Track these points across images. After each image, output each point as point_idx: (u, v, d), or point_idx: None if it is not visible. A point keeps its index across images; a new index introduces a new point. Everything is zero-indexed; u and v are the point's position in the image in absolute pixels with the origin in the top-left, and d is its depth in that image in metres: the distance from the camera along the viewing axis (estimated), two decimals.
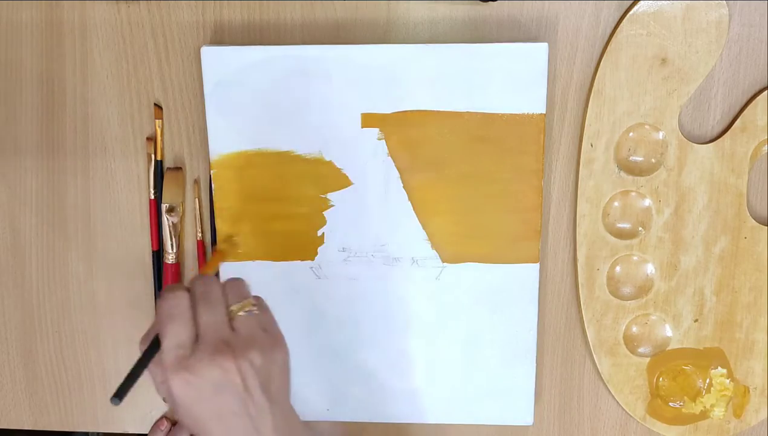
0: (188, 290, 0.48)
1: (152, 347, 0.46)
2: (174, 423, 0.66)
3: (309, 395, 0.63)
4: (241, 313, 0.48)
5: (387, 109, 0.57)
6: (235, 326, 0.47)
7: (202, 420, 0.46)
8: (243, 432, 0.46)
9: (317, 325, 0.62)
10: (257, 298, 0.50)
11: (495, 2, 0.57)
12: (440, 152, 0.58)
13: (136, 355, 0.65)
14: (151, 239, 0.63)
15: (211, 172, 0.59)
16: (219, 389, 0.45)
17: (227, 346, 0.45)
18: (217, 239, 0.60)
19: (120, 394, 0.44)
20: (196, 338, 0.45)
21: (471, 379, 0.62)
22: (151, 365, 0.47)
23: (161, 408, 0.67)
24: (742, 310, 0.60)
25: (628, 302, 0.61)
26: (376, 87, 0.57)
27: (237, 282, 0.50)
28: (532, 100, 0.56)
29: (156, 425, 0.66)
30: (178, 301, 0.46)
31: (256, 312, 0.48)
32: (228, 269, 0.61)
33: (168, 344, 0.45)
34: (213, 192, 0.60)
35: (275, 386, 0.47)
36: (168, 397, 0.46)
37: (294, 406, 0.64)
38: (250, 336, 0.47)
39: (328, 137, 0.58)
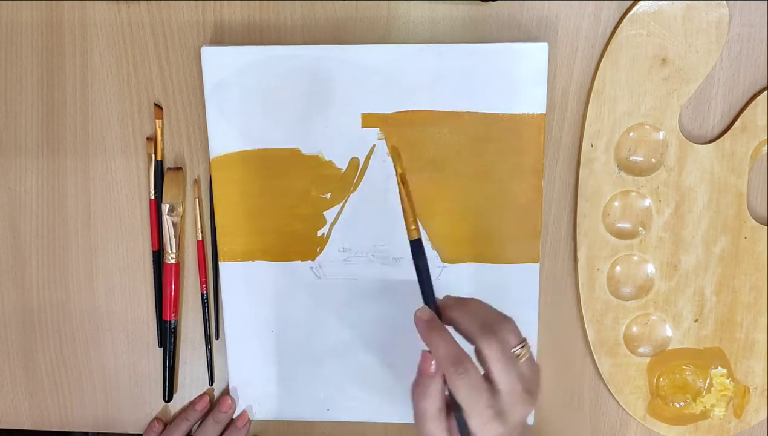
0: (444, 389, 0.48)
1: (460, 419, 0.48)
2: (166, 425, 0.66)
3: (309, 395, 0.63)
4: (523, 359, 0.48)
5: (387, 109, 0.57)
6: (523, 372, 0.48)
7: None
8: None
9: (317, 325, 0.62)
10: (531, 360, 0.50)
11: (495, 2, 0.57)
12: (440, 152, 0.58)
13: (136, 354, 0.66)
14: (151, 239, 0.63)
15: (211, 172, 0.59)
16: (518, 430, 0.48)
17: (529, 395, 0.47)
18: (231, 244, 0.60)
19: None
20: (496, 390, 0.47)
21: None
22: (434, 413, 0.48)
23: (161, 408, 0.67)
24: (742, 310, 0.60)
25: (629, 302, 0.61)
26: (376, 87, 0.57)
27: (513, 326, 0.49)
28: (532, 100, 0.56)
29: (149, 426, 0.66)
30: (473, 375, 0.47)
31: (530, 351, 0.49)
32: (230, 269, 0.61)
33: (476, 422, 0.47)
34: (213, 192, 0.60)
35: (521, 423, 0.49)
36: None
37: (294, 406, 0.64)
38: (535, 378, 0.49)
39: (328, 137, 0.58)
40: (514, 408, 0.47)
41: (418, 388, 0.48)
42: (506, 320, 0.49)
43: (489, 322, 0.48)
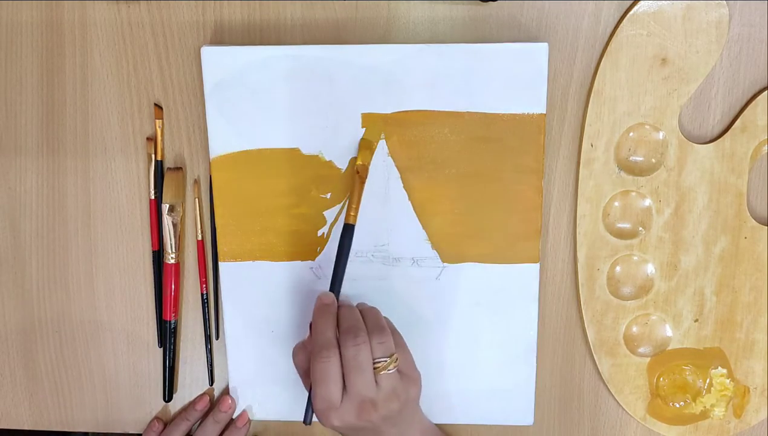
0: (337, 345, 0.53)
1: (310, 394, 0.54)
2: (166, 425, 0.66)
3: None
4: (384, 372, 0.53)
5: (387, 109, 0.57)
6: (379, 382, 0.53)
7: None
8: None
9: None
10: (394, 333, 0.56)
11: (495, 2, 0.57)
12: (440, 152, 0.58)
13: (136, 354, 0.66)
14: (151, 239, 0.63)
15: (211, 172, 0.59)
16: (358, 432, 0.54)
17: (371, 404, 0.52)
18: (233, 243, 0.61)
19: (307, 418, 0.55)
20: (345, 389, 0.52)
21: (471, 379, 0.62)
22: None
23: (160, 409, 0.67)
24: (742, 310, 0.60)
25: (629, 302, 0.61)
26: (376, 87, 0.57)
27: (383, 336, 0.54)
28: (532, 100, 0.56)
29: (149, 426, 0.66)
30: (331, 366, 0.52)
31: (398, 368, 0.54)
32: (230, 269, 0.61)
33: (319, 399, 0.52)
34: (213, 192, 0.60)
35: (408, 419, 0.56)
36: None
37: (294, 406, 0.64)
38: (392, 390, 0.53)
39: (328, 137, 0.58)
40: (352, 412, 0.52)
41: (295, 348, 0.58)
42: (380, 333, 0.54)
43: (359, 327, 0.53)
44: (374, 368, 0.53)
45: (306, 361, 0.57)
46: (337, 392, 0.52)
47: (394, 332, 0.57)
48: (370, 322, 0.55)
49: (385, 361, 0.53)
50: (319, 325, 0.54)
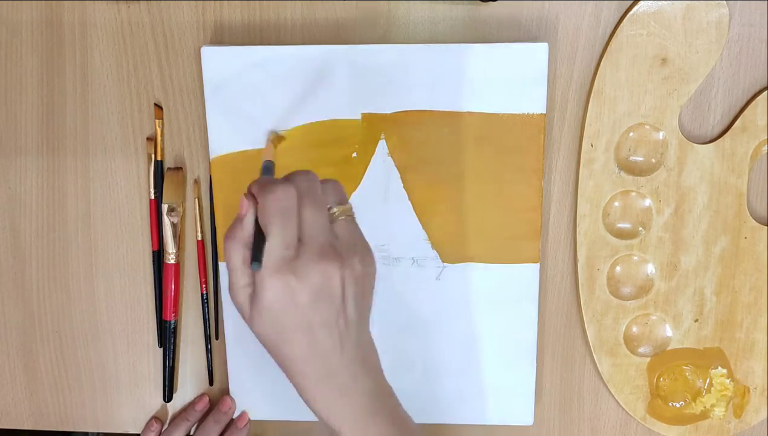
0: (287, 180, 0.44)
1: (259, 238, 0.43)
2: (164, 424, 0.66)
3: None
4: (341, 217, 0.45)
5: (387, 109, 0.57)
6: (336, 231, 0.44)
7: (287, 330, 0.43)
8: (327, 345, 0.44)
9: None
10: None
11: (495, 2, 0.57)
12: (440, 152, 0.58)
13: (135, 354, 0.66)
14: (151, 239, 0.63)
15: (211, 172, 0.59)
16: (318, 296, 0.42)
17: (333, 250, 0.43)
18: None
19: (258, 257, 0.42)
20: (300, 237, 0.43)
21: (471, 379, 0.62)
22: (238, 264, 0.43)
23: (160, 409, 0.67)
24: (742, 310, 0.60)
25: (629, 302, 0.61)
26: (376, 87, 0.57)
27: (335, 184, 0.46)
28: (532, 100, 0.56)
29: (147, 426, 0.66)
30: (287, 195, 0.42)
31: (353, 217, 0.46)
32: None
33: (274, 243, 0.42)
34: (213, 192, 0.60)
35: (366, 301, 0.45)
36: (252, 302, 0.43)
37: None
38: (352, 243, 0.44)
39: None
40: (312, 259, 0.42)
41: (228, 231, 0.45)
42: (333, 181, 0.46)
43: (309, 171, 0.45)
44: (330, 213, 0.45)
45: (236, 240, 0.44)
46: (295, 233, 0.42)
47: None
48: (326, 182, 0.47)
49: (341, 206, 0.45)
50: (261, 178, 0.46)
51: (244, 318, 0.45)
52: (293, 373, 0.45)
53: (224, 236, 0.44)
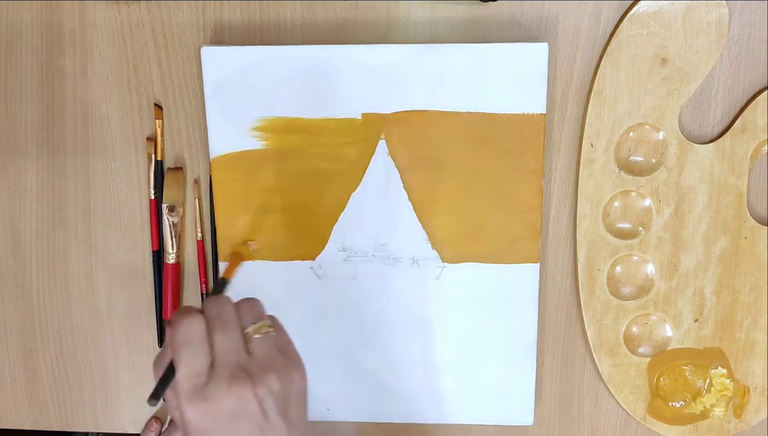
0: (201, 312, 0.46)
1: (168, 373, 0.45)
2: (164, 424, 0.66)
3: (309, 395, 0.63)
4: (256, 335, 0.46)
5: (387, 109, 0.57)
6: (251, 350, 0.45)
7: None
8: None
9: (317, 325, 0.62)
10: (272, 318, 0.49)
11: (495, 2, 0.57)
12: (440, 152, 0.58)
13: (135, 354, 0.66)
14: (151, 239, 0.63)
15: (211, 172, 0.59)
16: (236, 416, 0.43)
17: (244, 372, 0.44)
18: (233, 243, 0.60)
19: (156, 395, 0.44)
20: (212, 364, 0.44)
21: (471, 379, 0.62)
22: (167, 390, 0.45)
23: (159, 410, 0.67)
24: (742, 310, 0.60)
25: (629, 302, 0.61)
26: (376, 87, 0.57)
27: (251, 302, 0.48)
28: (532, 100, 0.56)
29: (147, 426, 0.66)
30: (193, 327, 0.44)
31: (273, 333, 0.47)
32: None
33: (183, 373, 0.44)
34: (213, 192, 0.60)
35: (293, 409, 0.46)
36: (181, 423, 0.45)
37: None
38: (267, 360, 0.45)
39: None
40: (222, 386, 0.43)
41: (155, 359, 0.47)
42: (248, 300, 0.48)
43: (223, 296, 0.47)
44: (245, 334, 0.46)
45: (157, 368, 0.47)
46: (204, 361, 0.44)
47: (274, 320, 0.49)
48: (240, 299, 0.48)
49: (255, 325, 0.46)
50: (179, 310, 0.47)
51: None
52: None
53: (153, 364, 0.47)
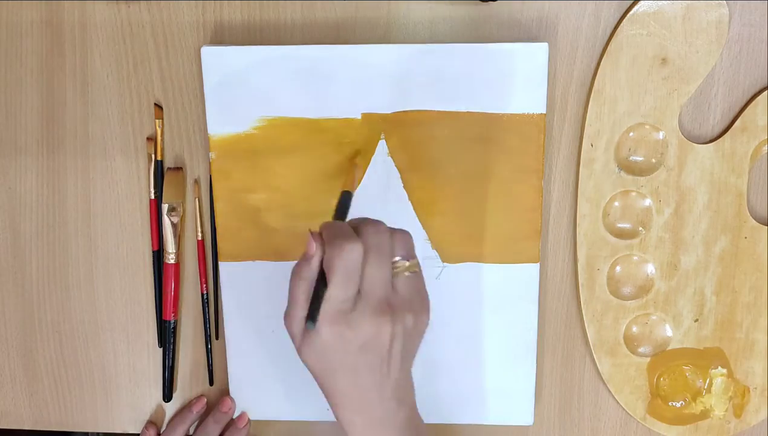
0: (356, 231, 0.46)
1: (319, 290, 0.46)
2: (160, 428, 0.66)
3: (309, 395, 0.63)
4: (405, 273, 0.47)
5: (387, 109, 0.57)
6: (396, 286, 0.47)
7: (334, 369, 0.47)
8: (368, 386, 0.47)
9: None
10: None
11: (495, 2, 0.57)
12: (440, 152, 0.58)
13: (135, 354, 0.66)
14: (152, 239, 0.63)
15: (211, 172, 0.59)
16: (367, 345, 0.46)
17: (388, 307, 0.46)
18: (234, 242, 0.60)
19: (314, 317, 0.45)
20: (359, 290, 0.46)
21: (471, 379, 0.62)
22: (299, 299, 0.46)
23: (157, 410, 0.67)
24: (742, 310, 0.60)
25: (629, 301, 0.61)
26: (376, 87, 0.57)
27: (405, 236, 0.49)
28: (532, 100, 0.56)
29: (142, 433, 0.66)
30: (353, 254, 0.45)
31: (417, 273, 0.48)
32: (230, 269, 0.61)
33: (334, 295, 0.45)
34: (213, 192, 0.60)
35: (411, 351, 0.49)
36: (304, 336, 0.47)
37: (294, 406, 0.64)
38: (409, 299, 0.47)
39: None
40: (366, 313, 0.45)
41: (296, 267, 0.48)
42: (403, 233, 0.49)
43: (380, 222, 0.48)
44: (395, 267, 0.47)
45: (301, 279, 0.47)
46: (355, 289, 0.46)
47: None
48: (394, 229, 0.49)
49: (406, 263, 0.48)
50: (332, 224, 0.48)
51: (294, 345, 0.48)
52: (333, 402, 0.49)
53: (291, 272, 0.48)
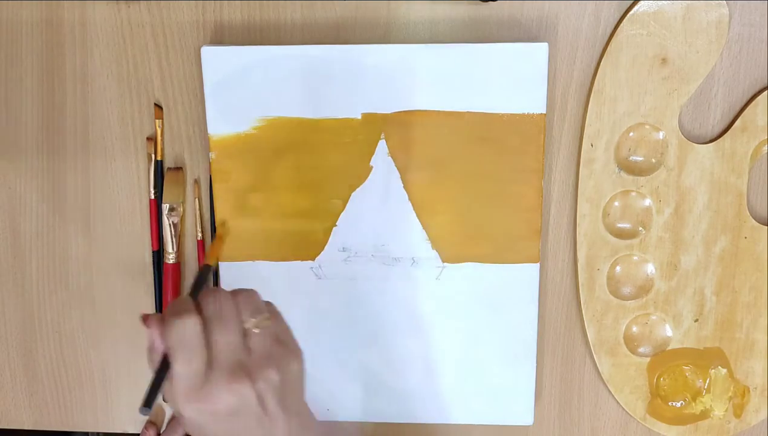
0: (197, 305, 0.45)
1: (160, 373, 0.44)
2: (159, 428, 0.66)
3: (309, 395, 0.63)
4: (255, 330, 0.45)
5: (387, 109, 0.57)
6: (250, 345, 0.45)
7: None
8: None
9: (317, 325, 0.62)
10: (269, 304, 0.48)
11: (495, 2, 0.57)
12: (440, 152, 0.58)
13: (135, 354, 0.66)
14: (151, 239, 0.63)
15: (211, 172, 0.59)
16: (234, 412, 0.43)
17: (243, 370, 0.43)
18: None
19: (149, 403, 0.43)
20: (209, 361, 0.43)
21: (471, 379, 0.62)
22: (164, 383, 0.44)
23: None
24: (742, 310, 0.60)
25: (629, 301, 0.61)
26: (376, 87, 0.57)
27: (249, 294, 0.47)
28: (532, 100, 0.56)
29: (142, 433, 0.66)
30: (188, 327, 0.43)
31: (271, 326, 0.46)
32: (229, 269, 0.61)
33: (180, 373, 0.43)
34: (213, 192, 0.60)
35: (290, 397, 0.46)
36: (178, 416, 0.45)
37: None
38: (266, 354, 0.45)
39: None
40: (221, 384, 0.43)
41: (147, 354, 0.45)
42: (246, 292, 0.46)
43: (219, 289, 0.46)
44: (243, 328, 0.45)
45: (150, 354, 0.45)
46: (201, 362, 0.43)
47: (271, 308, 0.48)
48: (235, 290, 0.47)
49: (252, 320, 0.45)
50: (173, 302, 0.45)
51: None
52: None
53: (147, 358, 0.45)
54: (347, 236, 0.60)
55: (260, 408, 0.44)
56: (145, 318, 0.45)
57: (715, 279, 0.60)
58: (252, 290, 0.47)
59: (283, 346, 0.46)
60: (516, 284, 0.60)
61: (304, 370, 0.47)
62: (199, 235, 0.63)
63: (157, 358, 0.44)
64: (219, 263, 0.61)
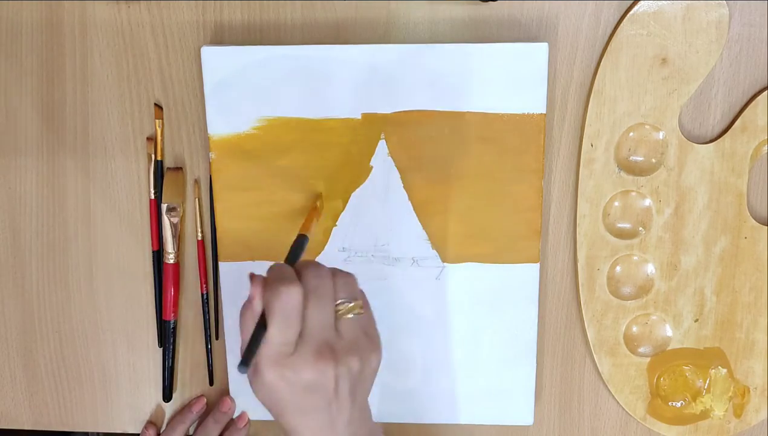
0: (298, 275, 0.46)
1: (257, 334, 0.45)
2: (160, 428, 0.66)
3: None
4: (349, 315, 0.47)
5: (387, 109, 0.57)
6: (340, 328, 0.47)
7: (282, 407, 0.47)
8: (319, 425, 0.47)
9: None
10: (362, 293, 0.50)
11: (495, 2, 0.57)
12: (440, 152, 0.58)
13: (135, 354, 0.66)
14: (151, 239, 0.63)
15: (211, 172, 0.59)
16: (311, 388, 0.45)
17: (330, 350, 0.45)
18: (233, 241, 0.60)
19: (246, 362, 0.44)
20: (300, 334, 0.45)
21: (471, 379, 0.62)
22: (246, 338, 0.46)
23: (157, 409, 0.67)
24: (742, 310, 0.60)
25: (629, 302, 0.61)
26: (376, 87, 0.57)
27: (348, 278, 0.49)
28: (532, 100, 0.56)
29: (142, 433, 0.66)
30: (291, 297, 0.44)
31: (362, 314, 0.48)
32: (230, 269, 0.61)
33: (273, 339, 0.45)
34: (213, 192, 0.60)
35: (361, 388, 0.48)
36: (254, 373, 0.46)
37: None
38: (354, 341, 0.47)
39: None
40: (307, 358, 0.45)
41: (242, 308, 0.47)
42: (345, 275, 0.48)
43: (320, 264, 0.48)
44: (336, 311, 0.47)
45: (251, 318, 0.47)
46: (295, 333, 0.45)
47: (364, 298, 0.50)
48: (335, 269, 0.49)
49: (349, 304, 0.47)
50: (276, 267, 0.47)
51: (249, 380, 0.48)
52: (288, 432, 0.48)
53: (240, 312, 0.47)
54: (347, 236, 0.60)
55: (334, 392, 0.46)
56: (252, 277, 0.47)
57: (715, 279, 0.60)
58: (351, 274, 0.49)
59: (368, 338, 0.48)
60: (516, 284, 0.60)
61: (379, 365, 0.49)
62: (199, 235, 0.63)
63: (255, 318, 0.46)
64: (219, 262, 0.61)
